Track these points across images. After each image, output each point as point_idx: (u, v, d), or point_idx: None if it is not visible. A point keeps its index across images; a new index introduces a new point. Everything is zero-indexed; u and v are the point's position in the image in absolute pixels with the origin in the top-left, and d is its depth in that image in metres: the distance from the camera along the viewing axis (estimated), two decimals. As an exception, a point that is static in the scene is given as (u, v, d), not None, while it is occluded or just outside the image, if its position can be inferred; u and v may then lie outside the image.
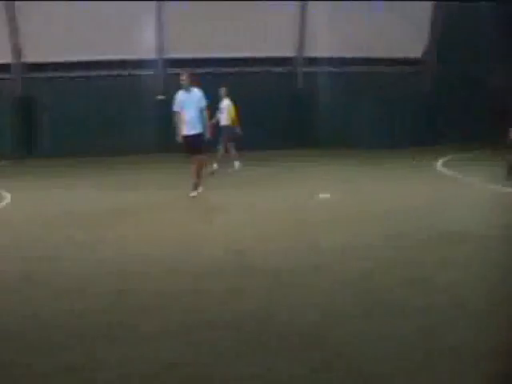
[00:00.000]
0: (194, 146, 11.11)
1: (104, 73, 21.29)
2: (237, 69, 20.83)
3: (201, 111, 11.19)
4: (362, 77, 21.79)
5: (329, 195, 10.75)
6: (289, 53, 21.65)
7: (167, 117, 20.15)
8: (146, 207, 10.46)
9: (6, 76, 21.77)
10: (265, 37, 20.25)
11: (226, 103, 15.25)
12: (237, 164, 15.54)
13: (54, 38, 20.42)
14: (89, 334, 4.51)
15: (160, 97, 20.17)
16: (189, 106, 11.10)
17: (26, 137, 21.51)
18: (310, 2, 21.08)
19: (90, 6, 20.14)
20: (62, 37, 20.49)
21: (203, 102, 11.21)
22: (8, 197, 11.89)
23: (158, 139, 20.15)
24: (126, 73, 21.34)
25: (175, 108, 11.28)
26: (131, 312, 5.04)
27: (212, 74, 20.18)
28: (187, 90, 11.17)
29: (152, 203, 10.79)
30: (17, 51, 21.50)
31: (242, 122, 16.02)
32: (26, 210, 10.66)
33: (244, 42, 20.12)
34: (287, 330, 4.46)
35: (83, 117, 20.97)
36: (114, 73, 21.36)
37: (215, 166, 14.83)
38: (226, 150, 15.50)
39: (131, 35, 20.26)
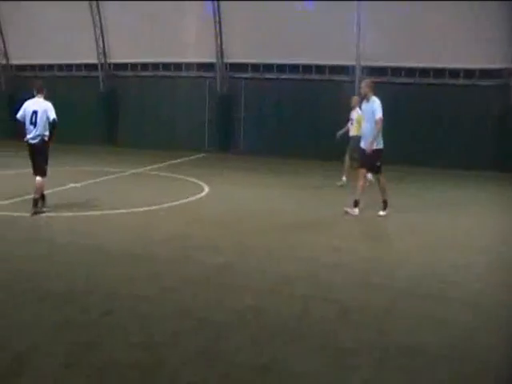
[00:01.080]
0: (365, 160, 10.18)
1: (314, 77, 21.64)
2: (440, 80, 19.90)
3: (374, 123, 10.01)
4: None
5: None
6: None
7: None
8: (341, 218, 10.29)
9: (191, 74, 23.07)
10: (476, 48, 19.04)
11: (356, 113, 14.28)
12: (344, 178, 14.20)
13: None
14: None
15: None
16: (366, 116, 10.32)
17: (225, 133, 22.72)
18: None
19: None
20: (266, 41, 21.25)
21: (376, 114, 9.99)
22: (206, 189, 12.50)
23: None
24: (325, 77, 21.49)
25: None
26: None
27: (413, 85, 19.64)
28: (367, 99, 10.27)
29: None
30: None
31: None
32: (221, 204, 11.12)
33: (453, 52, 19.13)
34: None
35: (281, 118, 21.56)
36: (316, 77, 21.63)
37: (344, 179, 14.01)
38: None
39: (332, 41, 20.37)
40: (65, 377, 4.03)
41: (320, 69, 21.36)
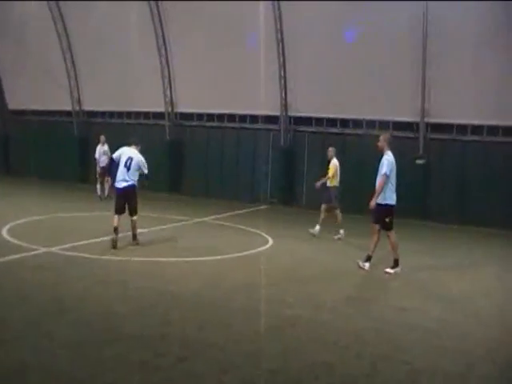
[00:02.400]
0: (374, 215, 10.18)
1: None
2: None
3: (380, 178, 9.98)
4: None
5: None
6: None
7: (424, 182, 20.31)
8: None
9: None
10: None
11: (333, 163, 14.29)
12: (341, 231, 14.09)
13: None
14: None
15: (419, 161, 20.03)
16: (379, 170, 10.13)
17: (288, 186, 22.98)
18: None
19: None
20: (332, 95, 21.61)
21: (382, 170, 9.95)
22: (270, 241, 12.66)
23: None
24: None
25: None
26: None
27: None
28: (384, 153, 10.16)
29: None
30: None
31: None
32: (286, 256, 11.22)
33: None
34: None
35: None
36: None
37: (342, 232, 13.88)
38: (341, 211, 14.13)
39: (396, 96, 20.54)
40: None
41: (383, 124, 21.47)
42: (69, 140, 27.88)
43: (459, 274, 10.69)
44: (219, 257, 10.57)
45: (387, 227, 10.09)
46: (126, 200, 11.06)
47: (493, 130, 19.46)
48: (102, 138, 19.99)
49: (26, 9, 27.26)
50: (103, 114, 27.72)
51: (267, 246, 12.21)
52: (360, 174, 21.20)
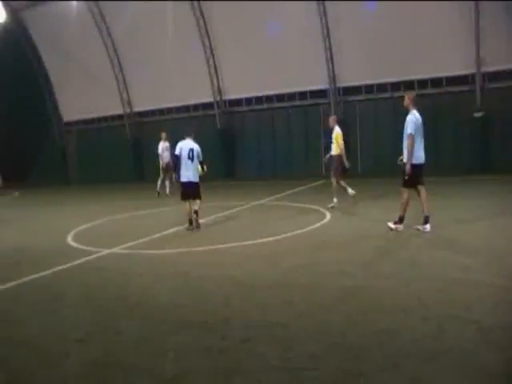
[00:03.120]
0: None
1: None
2: None
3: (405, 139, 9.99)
4: None
5: None
6: None
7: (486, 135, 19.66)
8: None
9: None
10: None
11: (335, 132, 13.79)
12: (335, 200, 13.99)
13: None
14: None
15: (478, 113, 19.43)
16: (404, 130, 10.03)
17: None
18: None
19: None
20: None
21: (408, 130, 9.92)
22: (328, 215, 12.61)
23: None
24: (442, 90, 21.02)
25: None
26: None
27: None
28: (409, 113, 10.06)
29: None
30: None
31: None
32: (345, 229, 11.22)
33: None
34: None
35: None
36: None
37: (335, 200, 13.84)
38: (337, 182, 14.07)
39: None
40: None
41: (435, 82, 20.89)
42: (122, 142, 28.57)
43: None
44: (278, 237, 10.61)
45: (404, 184, 10.10)
46: (193, 193, 11.86)
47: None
48: (164, 134, 20.36)
49: (67, 12, 27.81)
50: (153, 112, 28.22)
51: (325, 220, 12.19)
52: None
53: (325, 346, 5.13)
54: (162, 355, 5.17)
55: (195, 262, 9.10)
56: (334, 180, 14.15)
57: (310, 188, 19.12)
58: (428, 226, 10.14)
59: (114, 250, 10.37)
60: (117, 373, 4.88)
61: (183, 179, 11.85)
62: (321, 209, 13.55)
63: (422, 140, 10.10)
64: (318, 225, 11.70)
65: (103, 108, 29.03)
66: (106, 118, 29.65)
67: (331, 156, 14.17)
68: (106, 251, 10.25)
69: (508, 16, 18.70)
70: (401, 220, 10.35)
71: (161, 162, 19.95)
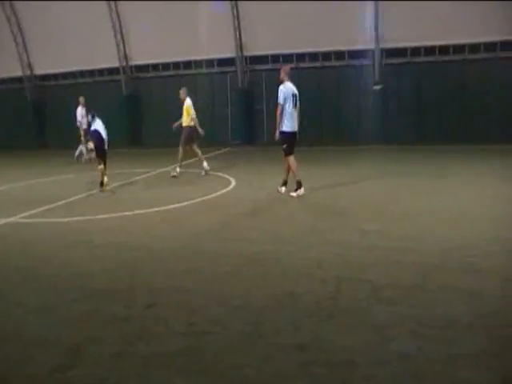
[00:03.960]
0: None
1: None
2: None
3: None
4: None
5: None
6: None
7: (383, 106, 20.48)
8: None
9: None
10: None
11: (186, 103, 14.46)
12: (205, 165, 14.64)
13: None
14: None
15: (377, 86, 20.18)
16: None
17: (249, 126, 22.99)
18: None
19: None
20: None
21: (278, 99, 10.72)
22: (233, 182, 12.81)
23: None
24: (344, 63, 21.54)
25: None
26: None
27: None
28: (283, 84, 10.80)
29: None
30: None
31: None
32: (249, 195, 11.39)
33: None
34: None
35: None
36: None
37: (178, 170, 14.40)
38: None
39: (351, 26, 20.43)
40: (116, 366, 4.27)
41: (339, 55, 21.40)
42: (22, 107, 27.26)
43: (416, 192, 11.01)
44: (184, 203, 10.66)
45: (285, 153, 10.76)
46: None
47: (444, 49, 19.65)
48: (82, 99, 19.37)
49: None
50: (56, 76, 27.07)
51: (230, 187, 12.34)
52: (320, 105, 21.37)
53: (227, 310, 5.28)
54: (65, 325, 5.13)
55: (100, 229, 8.98)
56: (180, 149, 14.39)
57: (215, 156, 19.22)
58: (300, 191, 10.84)
59: (14, 218, 10.00)
60: (15, 346, 4.78)
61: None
62: (226, 176, 13.69)
63: (294, 110, 10.69)
64: (223, 191, 11.84)
65: (1, 69, 27.47)
66: (3, 80, 28.09)
67: (181, 127, 14.34)
68: (4, 220, 9.87)
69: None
70: (299, 184, 10.87)
71: (80, 129, 19.18)
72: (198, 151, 14.42)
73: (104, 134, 12.22)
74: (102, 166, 12.22)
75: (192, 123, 14.04)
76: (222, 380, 4.00)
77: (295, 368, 4.10)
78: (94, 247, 7.83)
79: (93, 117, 12.38)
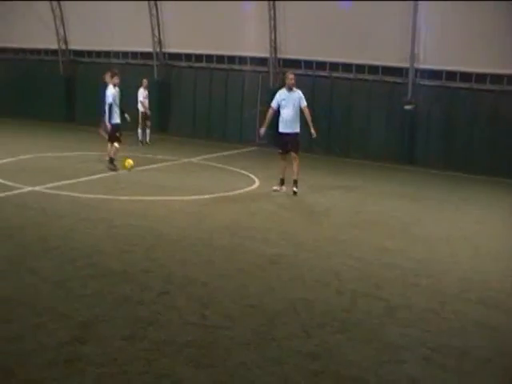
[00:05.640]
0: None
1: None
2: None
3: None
4: None
5: None
6: None
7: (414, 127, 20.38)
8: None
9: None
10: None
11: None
12: None
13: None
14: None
15: (408, 106, 20.02)
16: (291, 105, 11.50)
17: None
18: None
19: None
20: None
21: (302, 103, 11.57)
22: (257, 182, 12.79)
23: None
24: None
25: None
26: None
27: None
28: (291, 90, 11.63)
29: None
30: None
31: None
32: (272, 197, 11.29)
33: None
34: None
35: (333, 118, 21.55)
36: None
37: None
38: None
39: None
40: (125, 348, 4.27)
41: (372, 69, 21.28)
42: (55, 80, 27.40)
43: (440, 217, 10.87)
44: (206, 196, 10.64)
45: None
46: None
47: (481, 77, 19.43)
48: (145, 81, 19.54)
49: None
50: (90, 53, 27.18)
51: (253, 186, 12.29)
52: (348, 116, 21.32)
53: (241, 307, 5.26)
54: (78, 300, 5.14)
55: (120, 210, 9.00)
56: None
57: (242, 153, 19.19)
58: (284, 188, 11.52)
59: (38, 188, 10.05)
60: (27, 313, 4.80)
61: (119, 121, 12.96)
62: (250, 175, 13.64)
63: (288, 112, 11.46)
64: (245, 189, 11.80)
65: (37, 40, 27.60)
66: (38, 51, 28.23)
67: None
68: (28, 188, 9.92)
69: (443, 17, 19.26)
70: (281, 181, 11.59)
71: (141, 110, 19.16)
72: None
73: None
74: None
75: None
76: (230, 378, 3.99)
77: (304, 376, 4.07)
78: (113, 227, 7.85)
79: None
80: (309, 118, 11.45)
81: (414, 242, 8.55)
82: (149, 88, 20.24)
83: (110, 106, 12.68)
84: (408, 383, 4.10)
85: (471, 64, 19.17)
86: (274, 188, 11.53)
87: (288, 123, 11.51)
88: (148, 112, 19.37)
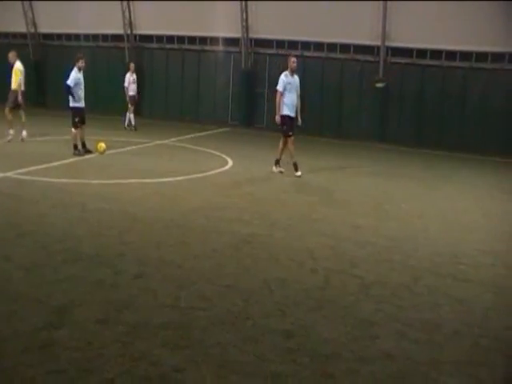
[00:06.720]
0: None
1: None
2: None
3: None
4: None
5: None
6: None
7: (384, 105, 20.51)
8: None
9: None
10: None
11: (15, 67, 14.60)
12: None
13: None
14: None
15: (379, 84, 20.11)
16: (293, 88, 11.67)
17: (249, 108, 22.82)
18: None
19: None
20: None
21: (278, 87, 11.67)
22: (230, 162, 12.76)
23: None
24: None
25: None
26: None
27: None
28: (292, 74, 11.75)
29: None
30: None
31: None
32: (245, 177, 11.31)
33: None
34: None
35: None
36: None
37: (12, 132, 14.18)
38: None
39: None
40: (100, 332, 4.25)
41: (344, 47, 21.29)
42: (24, 63, 26.88)
43: (411, 194, 11.03)
44: (180, 178, 10.62)
45: (284, 134, 11.71)
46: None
47: (451, 54, 19.60)
48: (132, 65, 19.41)
49: None
50: (59, 36, 26.68)
51: (227, 167, 12.30)
52: (320, 94, 21.33)
53: (216, 288, 5.27)
54: (52, 285, 5.10)
55: (93, 194, 8.92)
56: (6, 111, 14.34)
57: (214, 134, 19.14)
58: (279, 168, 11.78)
59: (9, 174, 9.92)
60: (1, 299, 4.76)
61: (81, 104, 12.79)
62: (223, 155, 13.63)
63: (292, 96, 11.63)
64: (219, 170, 11.80)
65: (5, 24, 26.97)
66: (5, 35, 27.62)
67: (10, 90, 14.45)
68: (1, 174, 9.78)
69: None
70: (295, 166, 11.54)
71: (130, 94, 18.99)
72: (23, 116, 14.45)
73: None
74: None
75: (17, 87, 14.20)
76: (206, 357, 4.00)
77: (279, 354, 4.10)
78: (85, 211, 7.79)
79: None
80: (299, 106, 11.78)
81: (387, 219, 8.66)
82: (126, 71, 19.98)
83: (68, 87, 12.51)
84: (382, 358, 4.15)
85: (441, 41, 19.33)
86: (279, 170, 11.81)
87: (292, 107, 11.66)
88: (136, 96, 19.20)
